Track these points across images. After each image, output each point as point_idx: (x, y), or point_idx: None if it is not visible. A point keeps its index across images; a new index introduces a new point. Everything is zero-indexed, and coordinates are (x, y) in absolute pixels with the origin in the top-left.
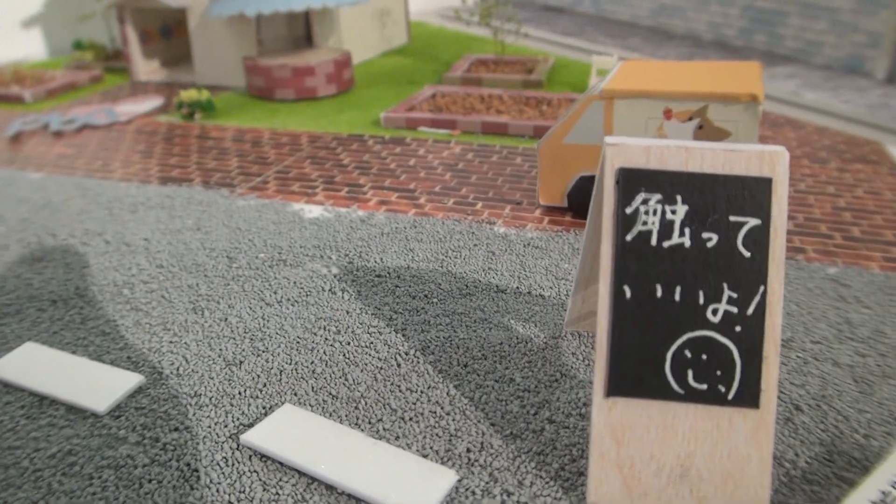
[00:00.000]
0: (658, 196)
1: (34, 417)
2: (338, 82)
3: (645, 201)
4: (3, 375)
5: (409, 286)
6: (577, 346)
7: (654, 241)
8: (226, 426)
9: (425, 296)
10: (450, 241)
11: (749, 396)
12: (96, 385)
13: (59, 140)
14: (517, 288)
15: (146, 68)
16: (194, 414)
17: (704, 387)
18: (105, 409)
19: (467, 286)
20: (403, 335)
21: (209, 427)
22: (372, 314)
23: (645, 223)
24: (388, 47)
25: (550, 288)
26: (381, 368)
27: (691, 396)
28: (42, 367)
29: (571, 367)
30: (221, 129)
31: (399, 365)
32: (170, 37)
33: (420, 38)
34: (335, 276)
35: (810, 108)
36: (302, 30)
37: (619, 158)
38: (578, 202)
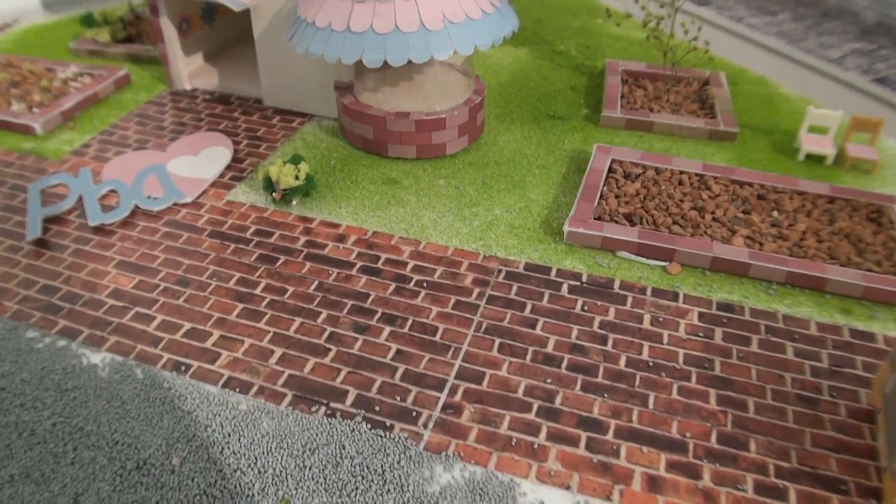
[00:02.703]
0: None
1: None
2: (470, 132)
3: None
4: None
5: None
6: None
7: None
8: None
9: None
10: None
11: None
12: None
13: (104, 247)
14: None
15: (189, 69)
16: None
17: None
18: None
19: None
20: None
21: None
22: None
23: None
24: None
25: None
26: None
27: None
28: None
29: None
30: (337, 236)
31: None
32: (213, 20)
33: (521, 9)
34: None
35: None
36: None
37: None
38: None
